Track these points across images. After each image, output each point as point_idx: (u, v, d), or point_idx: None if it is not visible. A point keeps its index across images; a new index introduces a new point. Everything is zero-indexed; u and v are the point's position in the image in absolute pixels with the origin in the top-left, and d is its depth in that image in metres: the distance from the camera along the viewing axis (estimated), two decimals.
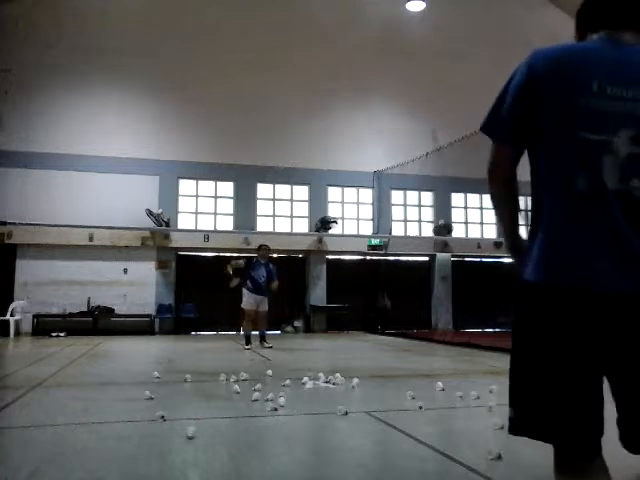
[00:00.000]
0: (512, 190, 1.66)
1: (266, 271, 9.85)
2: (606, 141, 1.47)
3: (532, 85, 1.54)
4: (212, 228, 15.03)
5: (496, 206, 1.71)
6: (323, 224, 15.35)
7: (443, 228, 15.97)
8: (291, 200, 15.88)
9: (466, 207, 17.08)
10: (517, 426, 1.56)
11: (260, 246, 10.28)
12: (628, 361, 1.44)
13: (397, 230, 16.31)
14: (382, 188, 16.13)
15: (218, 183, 15.35)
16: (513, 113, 1.57)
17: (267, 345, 9.81)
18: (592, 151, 1.48)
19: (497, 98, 1.63)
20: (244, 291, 9.82)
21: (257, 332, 10.02)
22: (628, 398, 1.48)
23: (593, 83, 1.50)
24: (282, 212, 15.77)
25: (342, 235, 15.71)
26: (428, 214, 16.79)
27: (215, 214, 15.31)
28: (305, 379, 5.67)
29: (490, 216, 17.17)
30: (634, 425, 1.48)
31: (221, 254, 15.09)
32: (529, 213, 1.68)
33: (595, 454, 1.48)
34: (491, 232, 17.02)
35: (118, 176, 14.25)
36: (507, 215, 1.71)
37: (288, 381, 5.61)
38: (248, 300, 9.76)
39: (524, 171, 1.75)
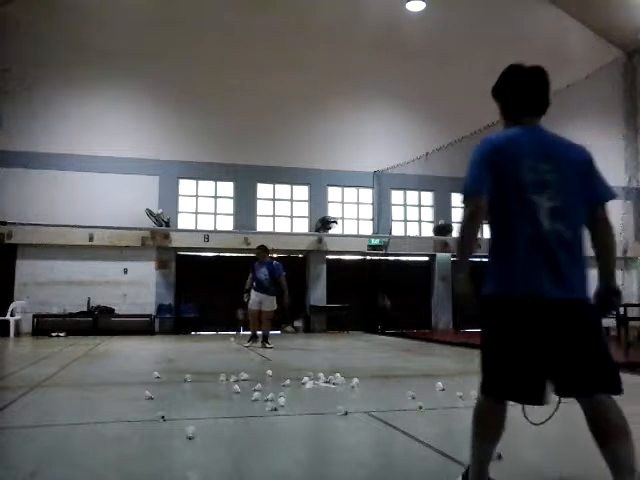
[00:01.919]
0: (477, 236, 2.35)
1: (268, 270, 9.88)
2: (539, 200, 2.26)
3: (493, 158, 2.29)
4: (212, 228, 15.03)
5: (467, 241, 2.35)
6: (323, 224, 15.35)
7: (443, 229, 15.95)
8: (291, 200, 15.88)
9: None
10: (484, 389, 2.31)
11: (258, 248, 10.38)
12: (562, 341, 2.19)
13: (397, 230, 16.31)
14: (382, 188, 16.13)
15: (218, 183, 15.34)
16: (485, 174, 2.28)
17: (268, 346, 9.81)
18: (533, 206, 2.26)
19: (469, 171, 2.33)
20: (251, 292, 10.00)
21: (261, 332, 10.08)
22: (568, 362, 2.19)
23: (527, 160, 2.28)
24: (282, 212, 15.77)
25: (342, 235, 15.70)
26: (428, 214, 16.78)
27: (215, 214, 15.31)
28: (305, 379, 5.67)
29: None
30: (575, 376, 2.18)
31: (221, 254, 15.11)
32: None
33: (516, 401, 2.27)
34: None
35: (118, 176, 14.25)
36: (468, 258, 2.38)
37: (288, 381, 5.61)
38: (253, 299, 9.90)
39: None
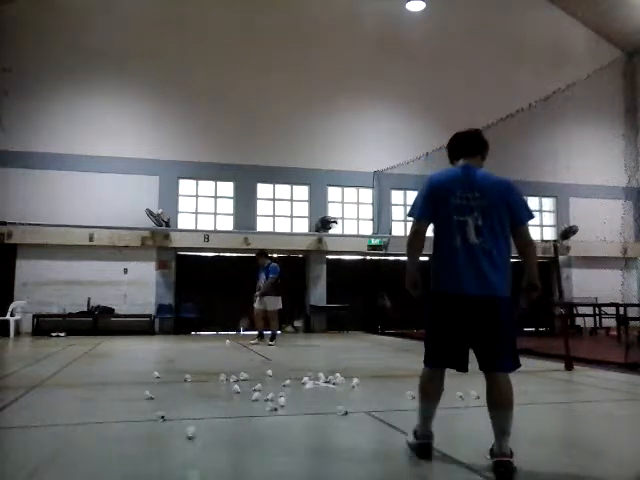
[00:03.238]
0: (422, 247, 3.14)
1: (265, 273, 10.32)
2: (466, 220, 3.00)
3: (431, 192, 3.10)
4: (212, 228, 15.03)
5: (410, 256, 3.15)
6: (323, 224, 15.34)
7: None
8: (291, 200, 15.88)
9: None
10: (425, 361, 3.11)
11: (257, 254, 10.94)
12: (479, 327, 2.95)
13: (397, 230, 16.30)
14: (382, 188, 16.13)
15: (218, 183, 15.34)
16: (424, 204, 3.10)
17: (269, 343, 10.04)
18: (461, 225, 3.01)
19: (415, 199, 3.17)
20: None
21: (268, 331, 10.48)
22: (479, 343, 2.99)
23: (457, 191, 3.04)
24: (282, 212, 15.77)
25: (342, 235, 15.71)
26: None
27: (215, 214, 15.31)
28: (305, 379, 5.66)
29: None
30: (482, 354, 2.99)
31: (221, 254, 15.11)
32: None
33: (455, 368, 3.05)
34: None
35: (118, 176, 14.25)
36: (415, 261, 3.14)
37: (288, 381, 5.61)
38: (258, 301, 10.37)
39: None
